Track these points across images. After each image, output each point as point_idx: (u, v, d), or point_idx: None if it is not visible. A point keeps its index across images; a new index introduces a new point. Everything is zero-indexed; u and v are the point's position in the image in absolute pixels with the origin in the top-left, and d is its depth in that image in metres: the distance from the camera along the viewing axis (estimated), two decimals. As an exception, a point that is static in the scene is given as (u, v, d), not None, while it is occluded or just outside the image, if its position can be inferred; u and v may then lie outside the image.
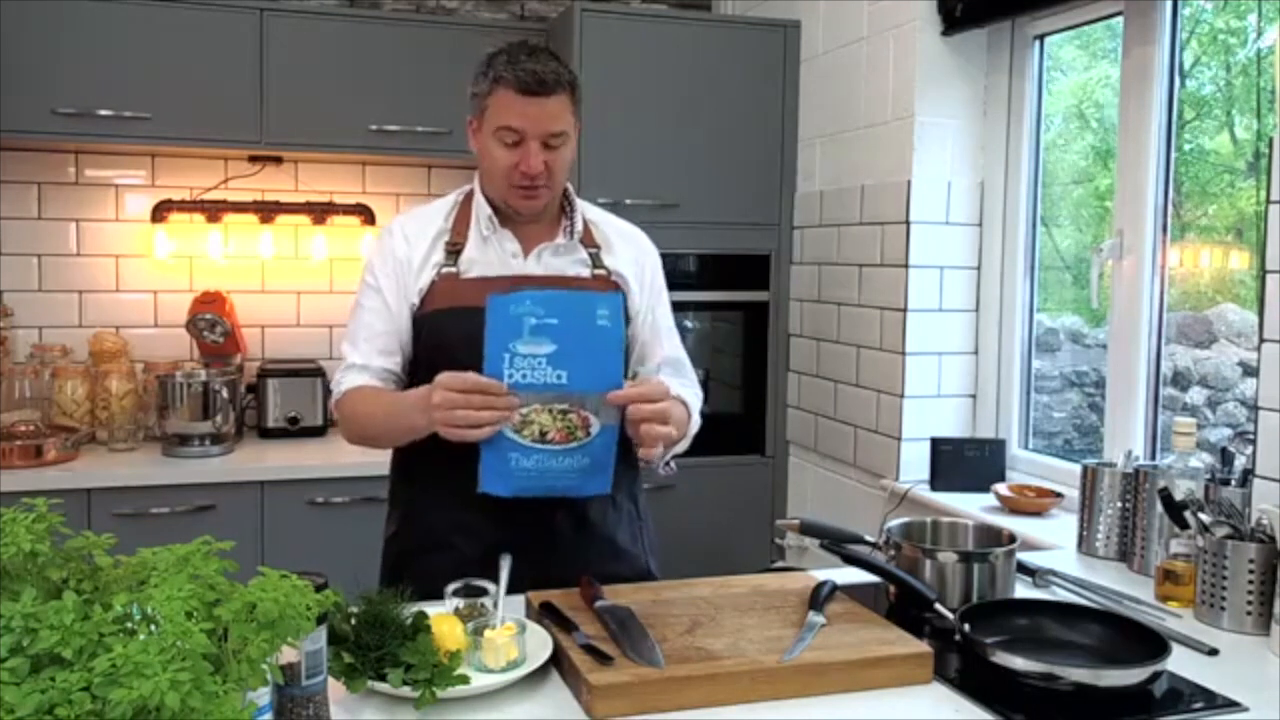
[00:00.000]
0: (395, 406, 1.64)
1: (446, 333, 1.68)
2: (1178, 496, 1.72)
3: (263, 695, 1.05)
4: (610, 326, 1.51)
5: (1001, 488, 2.46)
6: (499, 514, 1.62)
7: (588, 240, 1.80)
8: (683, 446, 1.75)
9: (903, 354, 2.74)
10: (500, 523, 1.63)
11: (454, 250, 1.73)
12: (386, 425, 1.68)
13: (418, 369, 1.74)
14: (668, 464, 1.73)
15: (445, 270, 1.72)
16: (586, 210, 1.83)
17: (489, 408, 1.47)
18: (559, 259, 1.76)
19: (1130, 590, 1.76)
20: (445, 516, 1.70)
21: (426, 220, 1.78)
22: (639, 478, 1.86)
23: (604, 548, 1.75)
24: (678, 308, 1.99)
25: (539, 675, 1.33)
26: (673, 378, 1.77)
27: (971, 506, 2.45)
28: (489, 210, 1.74)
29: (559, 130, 1.67)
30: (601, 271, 1.78)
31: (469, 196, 1.79)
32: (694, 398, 1.81)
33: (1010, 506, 2.41)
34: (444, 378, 1.50)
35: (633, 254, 1.83)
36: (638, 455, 1.59)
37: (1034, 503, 2.40)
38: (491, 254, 1.74)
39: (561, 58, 1.71)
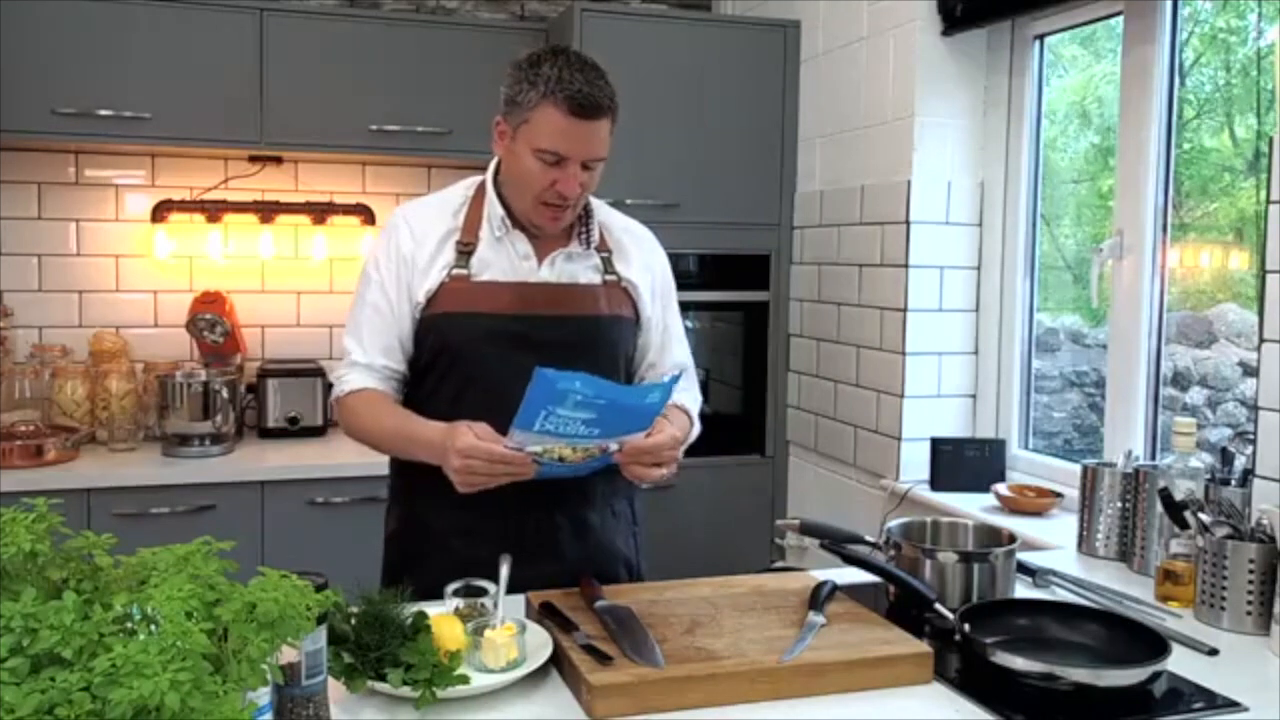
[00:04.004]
0: (407, 433, 1.62)
1: (456, 335, 1.67)
2: (1178, 496, 1.72)
3: (263, 695, 1.05)
4: (656, 404, 1.49)
5: (1001, 488, 2.46)
6: (498, 516, 1.63)
7: (600, 245, 1.77)
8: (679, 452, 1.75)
9: (903, 354, 2.74)
10: (500, 525, 1.64)
11: (465, 251, 1.69)
12: (393, 446, 1.70)
13: (421, 368, 1.72)
14: None
15: (456, 271, 1.68)
16: (599, 211, 1.80)
17: (507, 474, 1.47)
18: (572, 265, 1.73)
19: (1130, 590, 1.76)
20: (444, 518, 1.69)
21: (434, 216, 1.73)
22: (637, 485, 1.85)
23: (601, 551, 1.75)
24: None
25: (539, 675, 1.33)
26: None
27: (971, 506, 2.45)
28: (501, 211, 1.70)
29: (601, 155, 1.66)
30: (613, 278, 1.76)
31: (480, 191, 1.74)
32: (694, 403, 1.80)
33: (1010, 506, 2.41)
34: (467, 446, 1.45)
35: (644, 259, 1.81)
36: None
37: (1034, 503, 2.40)
38: (504, 256, 1.70)
39: (605, 72, 1.64)
